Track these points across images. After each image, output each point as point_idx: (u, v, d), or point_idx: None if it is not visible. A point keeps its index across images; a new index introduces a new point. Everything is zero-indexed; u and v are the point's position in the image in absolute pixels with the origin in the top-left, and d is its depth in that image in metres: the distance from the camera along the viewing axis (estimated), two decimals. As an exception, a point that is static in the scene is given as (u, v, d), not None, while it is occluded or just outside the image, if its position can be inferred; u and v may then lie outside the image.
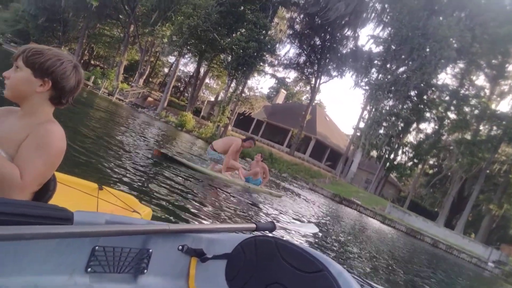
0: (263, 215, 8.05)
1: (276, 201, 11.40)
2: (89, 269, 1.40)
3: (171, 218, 4.74)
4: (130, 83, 44.74)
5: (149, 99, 43.28)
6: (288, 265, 1.68)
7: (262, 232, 2.09)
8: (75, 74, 1.46)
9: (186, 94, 58.98)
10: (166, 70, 61.21)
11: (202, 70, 41.42)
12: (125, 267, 1.51)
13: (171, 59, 54.12)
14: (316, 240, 7.48)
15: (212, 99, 55.60)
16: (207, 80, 48.76)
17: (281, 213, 9.44)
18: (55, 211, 1.22)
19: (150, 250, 1.57)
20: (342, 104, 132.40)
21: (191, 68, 56.63)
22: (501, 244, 36.62)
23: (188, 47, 33.86)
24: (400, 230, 23.57)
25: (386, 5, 35.24)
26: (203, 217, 5.34)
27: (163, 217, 4.66)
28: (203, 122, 39.39)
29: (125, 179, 5.87)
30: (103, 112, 23.04)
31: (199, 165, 9.31)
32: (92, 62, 58.30)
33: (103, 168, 6.22)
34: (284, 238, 1.90)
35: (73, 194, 2.28)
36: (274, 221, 2.16)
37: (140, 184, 5.92)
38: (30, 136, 1.33)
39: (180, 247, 1.69)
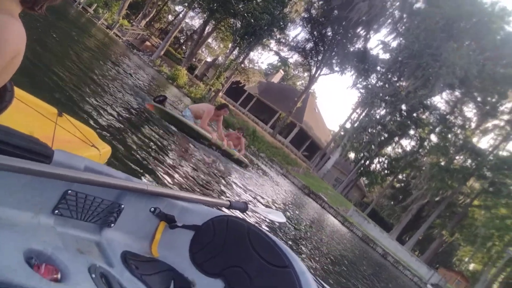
0: (233, 189, 8.09)
1: (247, 177, 11.53)
2: (56, 211, 1.36)
3: (130, 164, 4.59)
4: (131, 21, 42.93)
5: (147, 43, 41.84)
6: (255, 253, 1.69)
7: (234, 210, 2.10)
8: None
9: (184, 48, 57.33)
10: (170, 17, 59.01)
11: (207, 29, 40.19)
12: (93, 217, 1.48)
13: (179, 8, 52.18)
14: (278, 227, 7.65)
15: (209, 60, 54.37)
16: (209, 40, 47.46)
17: (250, 191, 9.54)
18: (36, 145, 1.16)
19: (122, 206, 1.54)
20: (334, 99, 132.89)
21: (196, 22, 54.88)
22: (440, 267, 38.83)
23: (200, 2, 32.66)
24: (357, 234, 24.46)
25: (404, 15, 34.99)
26: (164, 176, 5.20)
27: (122, 159, 4.50)
28: (195, 81, 38.60)
29: (91, 113, 5.54)
30: (96, 42, 22.08)
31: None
32: (96, -13, 55.27)
33: (70, 95, 5.83)
34: (256, 224, 1.94)
35: (29, 114, 2.14)
36: (247, 201, 2.20)
37: (106, 122, 5.60)
38: None
39: (153, 209, 1.67)
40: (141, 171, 4.82)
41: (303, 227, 11.03)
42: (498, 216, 31.61)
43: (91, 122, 5.16)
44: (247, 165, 12.47)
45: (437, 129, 33.87)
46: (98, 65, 12.45)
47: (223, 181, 8.27)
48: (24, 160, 1.04)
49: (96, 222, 1.52)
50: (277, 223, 7.98)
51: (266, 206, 9.85)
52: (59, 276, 1.02)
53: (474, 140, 34.65)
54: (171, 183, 5.29)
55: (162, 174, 5.32)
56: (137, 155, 5.26)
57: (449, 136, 33.43)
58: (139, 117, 7.96)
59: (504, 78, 29.91)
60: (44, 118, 2.21)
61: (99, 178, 1.29)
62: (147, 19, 44.85)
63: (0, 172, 1.03)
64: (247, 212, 2.15)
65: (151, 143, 6.48)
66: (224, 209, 2.07)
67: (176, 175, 5.78)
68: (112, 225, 1.56)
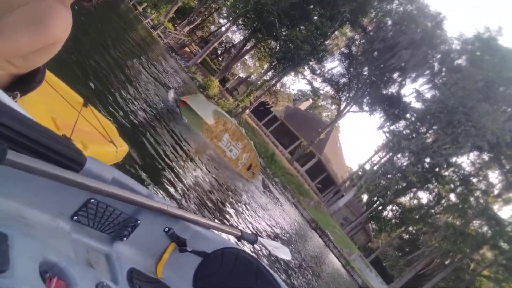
0: (243, 212, 7.93)
1: (258, 201, 11.51)
2: (75, 218, 1.37)
3: (142, 169, 4.49)
4: (175, 25, 44.17)
5: (186, 49, 42.85)
6: None
7: (244, 241, 2.09)
8: None
9: (220, 59, 58.36)
10: (213, 28, 60.40)
11: (246, 45, 40.86)
12: (108, 228, 1.49)
13: (223, 20, 53.34)
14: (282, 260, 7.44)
15: (242, 75, 55.07)
16: (245, 57, 48.19)
17: (260, 216, 9.44)
18: (71, 151, 1.17)
19: (139, 222, 1.55)
20: (357, 135, 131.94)
21: (236, 37, 55.89)
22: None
23: (245, 19, 33.31)
24: (356, 281, 23.71)
25: (444, 69, 34.67)
26: (175, 187, 5.08)
27: (137, 162, 4.41)
28: (225, 94, 39.04)
29: (116, 106, 5.51)
30: (139, 39, 22.73)
31: None
32: (149, -13, 57.30)
33: (100, 86, 5.81)
34: (266, 263, 1.85)
35: (55, 99, 2.15)
36: (257, 233, 2.18)
37: (129, 119, 5.57)
38: (29, 5, 1.12)
39: (167, 229, 1.67)
40: (154, 177, 4.75)
41: (304, 264, 10.80)
42: (508, 291, 30.15)
43: (115, 115, 5.10)
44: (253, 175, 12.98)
45: (458, 189, 32.86)
46: (135, 60, 12.64)
47: (234, 201, 8.19)
48: (56, 167, 1.06)
49: (110, 234, 1.53)
50: (285, 260, 7.83)
51: (273, 234, 9.70)
52: None
53: (495, 207, 33.48)
54: (180, 195, 5.18)
55: (173, 184, 5.21)
56: (153, 160, 5.22)
57: (470, 198, 32.38)
58: (162, 119, 7.96)
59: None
60: (69, 106, 2.21)
61: (123, 192, 1.31)
62: (191, 26, 46.05)
63: (33, 175, 1.04)
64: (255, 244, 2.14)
65: (169, 149, 6.44)
66: (234, 238, 2.09)
67: (187, 188, 5.66)
68: (125, 239, 1.57)
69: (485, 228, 32.22)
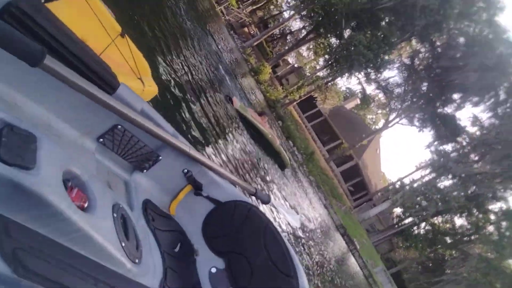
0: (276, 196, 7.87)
1: (292, 190, 11.40)
2: (101, 140, 1.42)
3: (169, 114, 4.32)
4: (239, 2, 43.97)
5: (245, 29, 42.73)
6: (265, 251, 1.66)
7: (257, 199, 2.10)
8: None
9: (274, 43, 57.75)
10: (274, 10, 59.49)
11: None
12: (131, 157, 1.53)
13: (285, 5, 52.34)
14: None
15: (291, 62, 54.40)
16: (302, 47, 47.45)
17: (289, 206, 9.43)
18: (107, 73, 1.19)
19: (160, 157, 1.60)
20: (399, 146, 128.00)
21: (296, 24, 54.85)
22: None
23: (311, 12, 32.61)
24: (377, 296, 23.77)
25: (510, 100, 32.54)
26: (201, 145, 5.00)
27: (164, 106, 4.24)
28: (274, 82, 38.90)
29: (160, 57, 5.31)
30: (202, 10, 22.30)
31: None
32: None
33: (150, 34, 5.57)
34: (276, 225, 1.86)
35: (91, 20, 2.02)
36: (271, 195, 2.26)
37: (173, 77, 5.34)
38: None
39: (186, 170, 1.71)
40: (178, 125, 4.66)
41: (327, 265, 10.76)
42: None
43: (159, 70, 4.93)
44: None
45: (500, 223, 31.32)
46: (193, 26, 12.60)
47: (268, 183, 8.13)
48: (92, 85, 1.09)
49: (132, 163, 1.58)
50: (293, 226, 7.89)
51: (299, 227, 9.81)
52: (86, 204, 1.06)
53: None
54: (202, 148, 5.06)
55: (204, 144, 5.14)
56: (189, 118, 5.09)
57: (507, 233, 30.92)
58: (208, 89, 7.90)
59: None
60: (103, 31, 2.07)
61: (150, 125, 1.32)
62: (254, 7, 45.65)
63: (66, 87, 1.04)
64: (267, 205, 2.15)
65: (209, 115, 6.31)
66: (248, 194, 2.09)
67: (219, 154, 5.54)
68: (145, 171, 1.62)
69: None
